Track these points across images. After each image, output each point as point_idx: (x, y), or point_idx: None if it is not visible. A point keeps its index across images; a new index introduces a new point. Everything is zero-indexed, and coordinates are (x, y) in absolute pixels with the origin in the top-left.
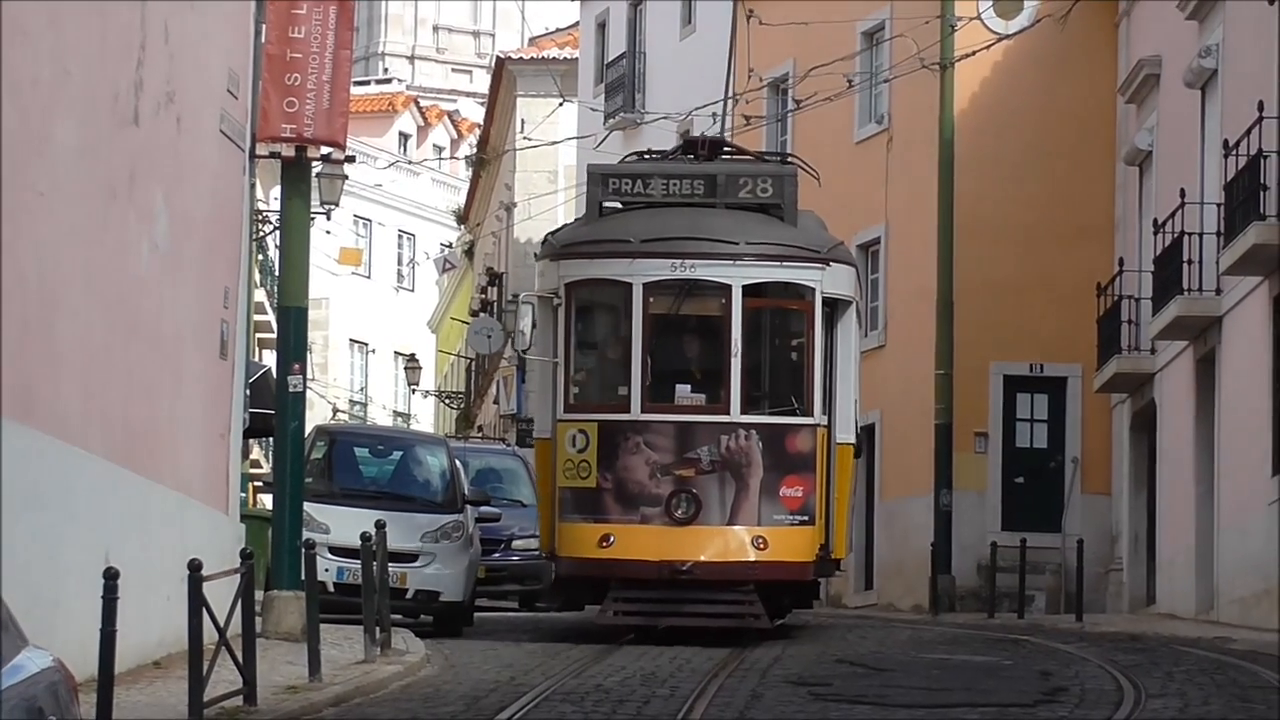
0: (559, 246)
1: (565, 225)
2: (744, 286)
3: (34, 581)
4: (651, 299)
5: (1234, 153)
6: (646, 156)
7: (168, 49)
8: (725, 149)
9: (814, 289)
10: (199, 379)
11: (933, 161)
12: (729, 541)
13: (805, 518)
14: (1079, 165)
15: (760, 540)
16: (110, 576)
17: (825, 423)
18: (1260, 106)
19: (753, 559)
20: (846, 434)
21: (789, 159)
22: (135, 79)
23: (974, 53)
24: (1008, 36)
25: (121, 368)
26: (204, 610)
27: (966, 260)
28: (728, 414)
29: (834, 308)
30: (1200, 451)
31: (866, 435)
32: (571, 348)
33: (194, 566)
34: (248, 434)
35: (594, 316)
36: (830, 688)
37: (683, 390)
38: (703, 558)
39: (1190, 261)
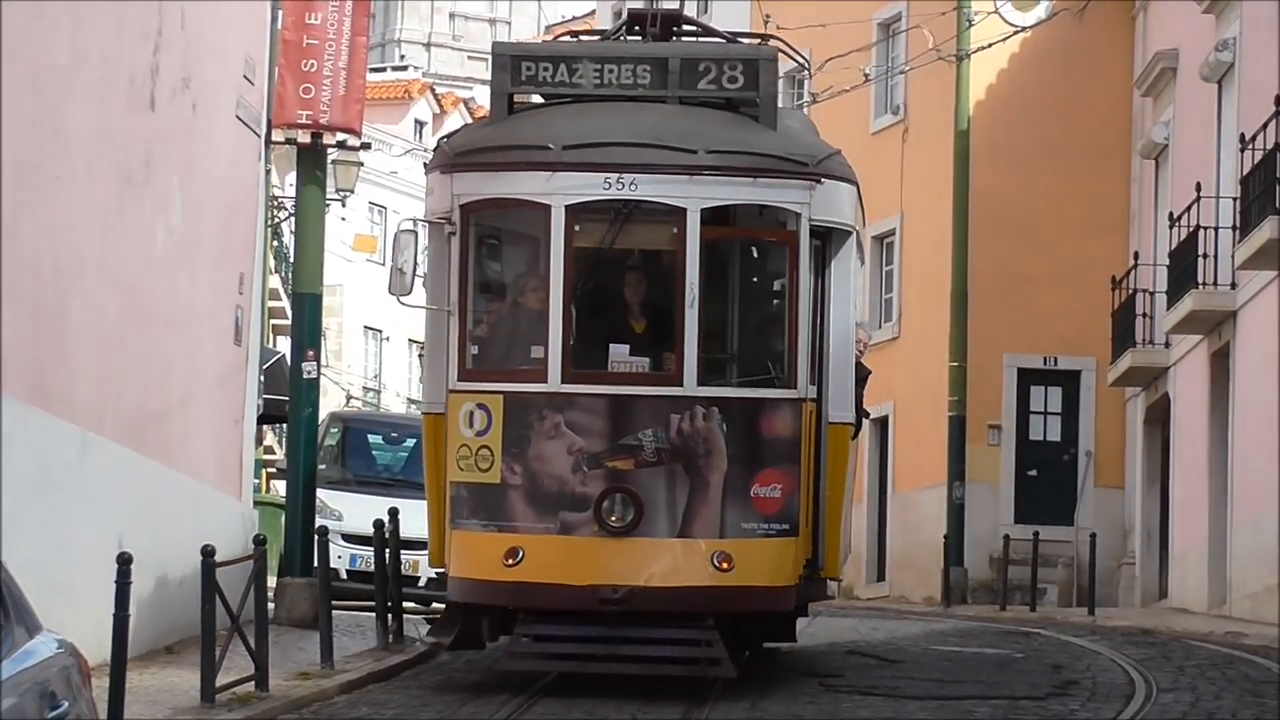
0: (453, 154)
1: (464, 127)
2: (703, 210)
3: (47, 566)
4: (578, 227)
5: (1250, 147)
6: (581, 39)
7: (184, 35)
8: (684, 27)
9: (799, 214)
10: (213, 364)
11: (948, 153)
12: (681, 559)
13: (785, 526)
14: (1095, 158)
15: (723, 557)
16: (123, 562)
17: (814, 396)
18: (1277, 100)
19: (713, 583)
20: (843, 411)
21: (770, 39)
22: (152, 64)
23: (990, 45)
24: (1025, 29)
25: (136, 353)
26: (217, 596)
27: (981, 252)
28: (680, 385)
29: (826, 240)
30: (1214, 446)
31: (879, 427)
32: (469, 292)
33: (207, 552)
34: (261, 420)
35: (500, 250)
36: (842, 679)
37: (619, 352)
38: (644, 581)
39: (1205, 255)
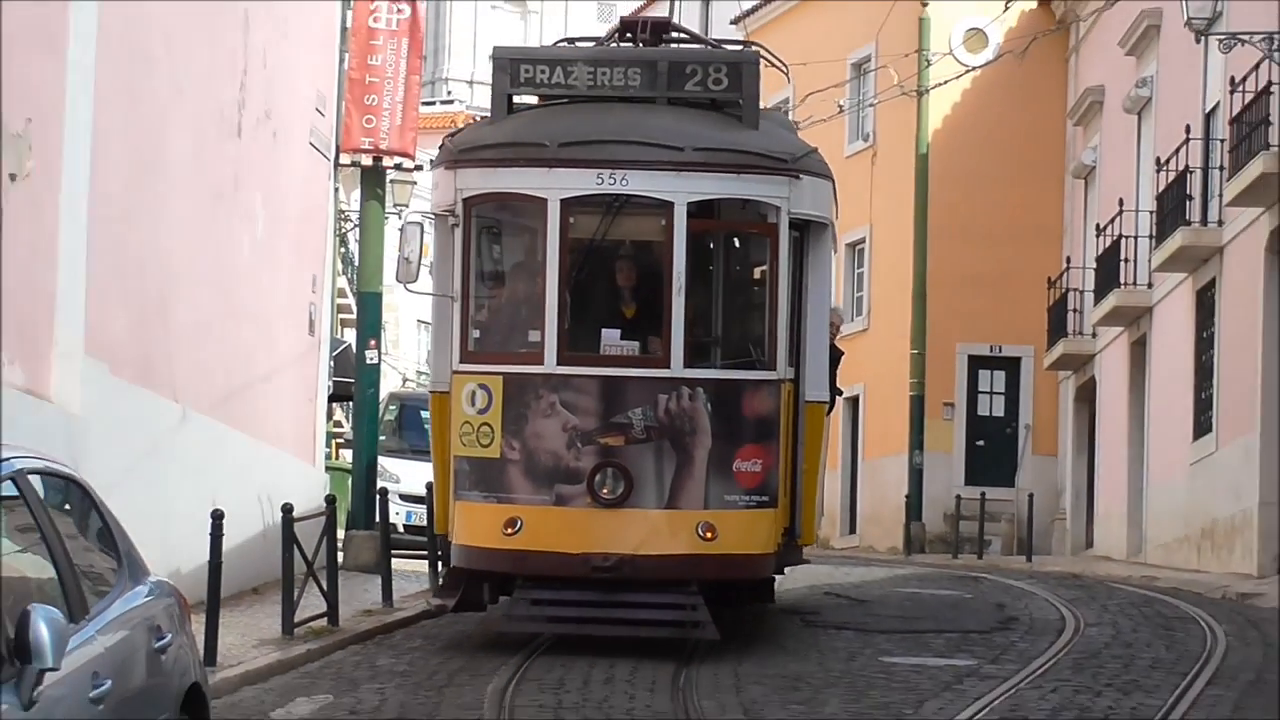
0: (456, 151)
1: (468, 126)
2: (690, 204)
3: (152, 521)
4: (572, 219)
5: (1164, 168)
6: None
7: (266, 73)
8: (672, 33)
9: (779, 207)
10: (290, 351)
11: (910, 174)
12: (667, 529)
13: (765, 498)
14: (1034, 178)
15: (707, 528)
16: (216, 517)
17: (792, 377)
18: (1187, 129)
19: (697, 552)
20: (819, 391)
21: (751, 44)
22: (239, 98)
23: (946, 82)
24: (975, 68)
25: (226, 342)
26: (294, 546)
27: (937, 257)
28: (667, 367)
29: (804, 231)
30: (1133, 420)
31: (851, 405)
32: (471, 280)
33: (286, 509)
34: (331, 399)
35: (499, 240)
36: (820, 616)
37: (611, 336)
38: (633, 550)
39: (1126, 260)
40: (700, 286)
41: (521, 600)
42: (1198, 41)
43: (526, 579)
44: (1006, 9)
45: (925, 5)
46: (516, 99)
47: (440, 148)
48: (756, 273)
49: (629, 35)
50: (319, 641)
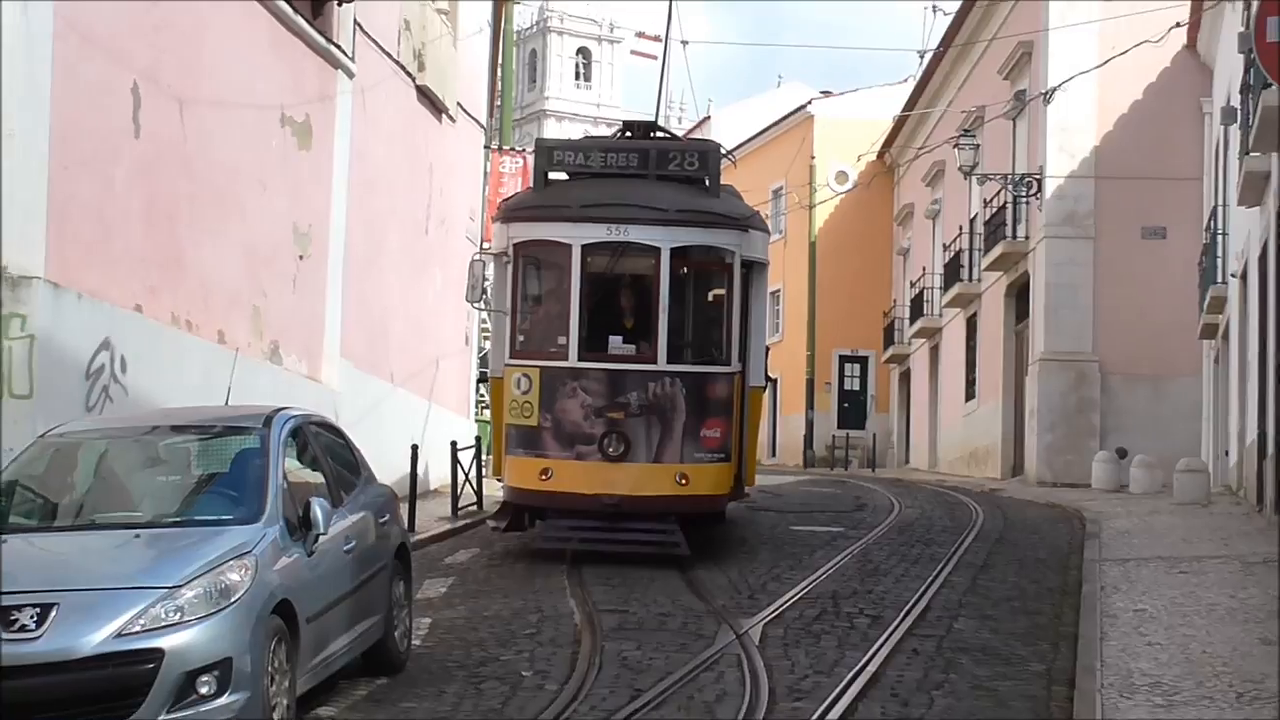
0: (508, 211)
1: (516, 193)
2: (672, 249)
3: (377, 449)
4: (589, 258)
5: (947, 250)
6: (593, 137)
7: (441, 198)
8: (656, 131)
9: (734, 252)
10: (454, 353)
11: (805, 254)
12: (654, 477)
13: (722, 455)
14: (875, 257)
15: (683, 477)
16: (414, 449)
17: (740, 370)
18: (960, 228)
19: (675, 493)
20: (758, 379)
21: (711, 142)
22: (426, 212)
23: (824, 201)
24: (841, 193)
25: (419, 347)
26: (457, 464)
27: (820, 301)
28: (655, 363)
29: (750, 268)
30: (930, 392)
31: (774, 385)
32: (518, 300)
33: (453, 443)
34: (478, 380)
35: (538, 273)
36: (755, 504)
37: (615, 341)
38: (630, 492)
39: (927, 301)
40: (677, 306)
41: (552, 525)
42: (965, 178)
43: (555, 511)
44: (859, 160)
45: (813, 157)
46: (551, 174)
47: (498, 208)
48: (717, 297)
49: (629, 132)
50: (470, 519)
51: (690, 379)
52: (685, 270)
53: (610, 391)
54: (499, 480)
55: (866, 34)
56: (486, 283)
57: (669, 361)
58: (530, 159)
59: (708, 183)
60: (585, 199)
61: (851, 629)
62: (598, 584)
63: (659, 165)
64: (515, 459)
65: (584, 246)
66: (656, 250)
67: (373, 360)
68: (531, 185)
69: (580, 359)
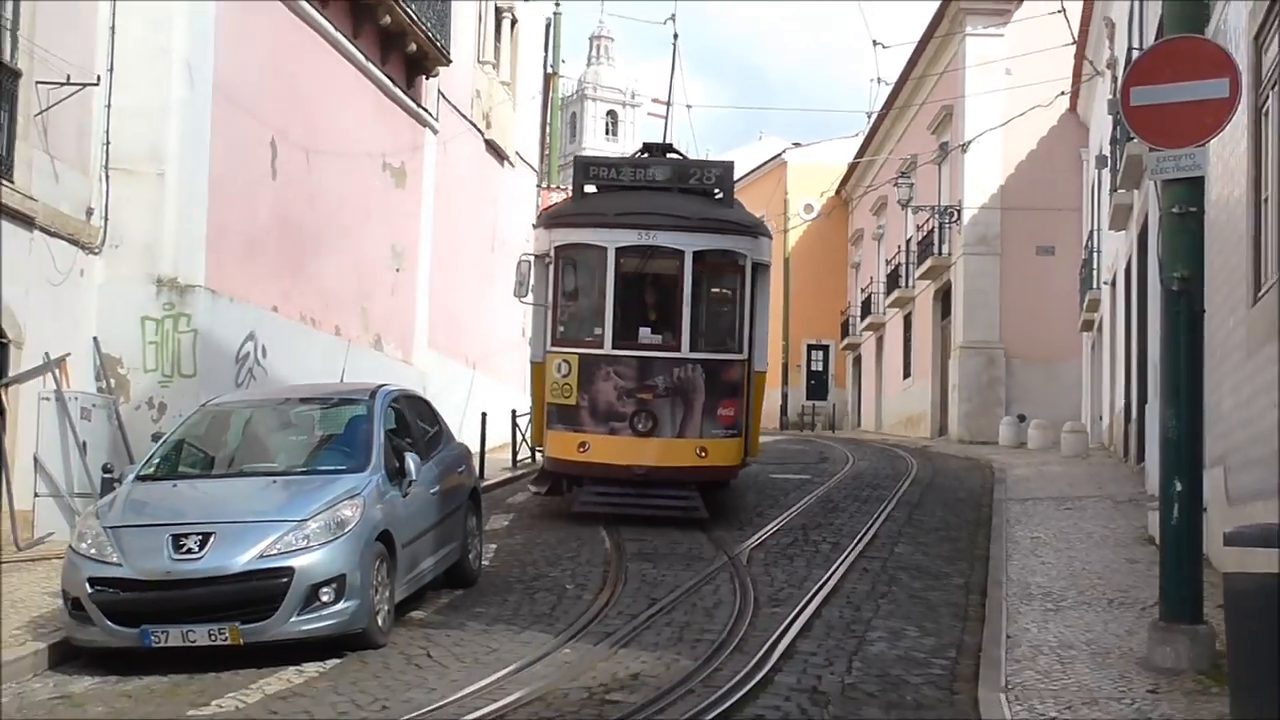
0: (550, 218)
1: (556, 204)
2: (694, 251)
3: (456, 418)
4: (621, 260)
5: (889, 265)
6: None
7: (503, 226)
8: (670, 151)
9: (746, 255)
10: (514, 345)
11: (780, 267)
12: (678, 450)
13: (734, 431)
14: (834, 269)
15: (702, 449)
16: (483, 415)
17: (748, 357)
18: (898, 248)
19: (695, 464)
20: (762, 365)
21: (726, 163)
22: (491, 235)
23: (795, 227)
24: (808, 220)
25: (488, 340)
26: (515, 427)
27: (794, 302)
28: (678, 351)
29: (757, 269)
30: (877, 372)
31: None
32: (559, 295)
33: (512, 412)
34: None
35: (577, 272)
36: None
37: (644, 332)
38: (656, 463)
39: (874, 304)
40: (697, 302)
41: (588, 491)
42: (902, 209)
43: (591, 479)
44: (822, 195)
45: (787, 193)
46: (587, 187)
47: (539, 215)
48: (731, 293)
49: (649, 151)
50: (526, 470)
51: (708, 365)
52: (704, 270)
53: (640, 375)
54: (539, 450)
55: (828, 98)
56: (530, 281)
57: (691, 350)
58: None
59: (722, 195)
60: (619, 208)
61: (817, 552)
62: (622, 521)
63: (681, 180)
64: (556, 433)
65: (618, 249)
66: (681, 253)
67: (451, 348)
68: (570, 195)
69: (614, 347)
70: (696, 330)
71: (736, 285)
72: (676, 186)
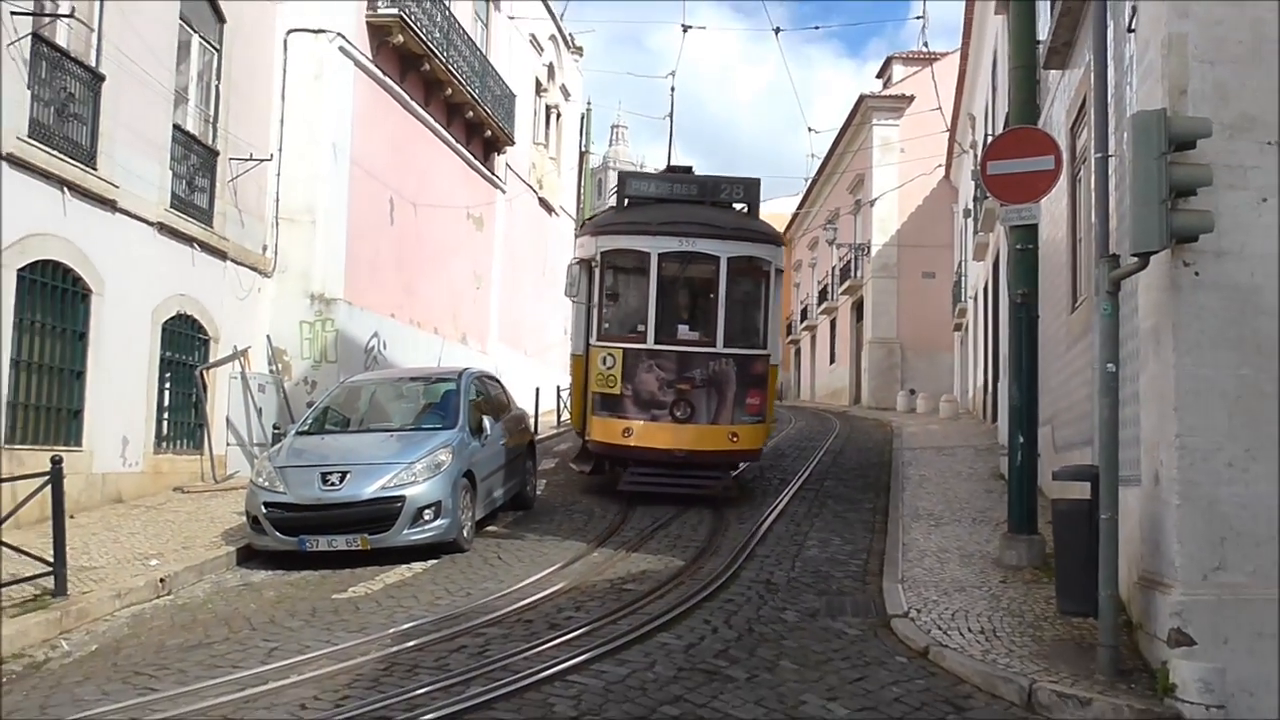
0: (596, 227)
1: (599, 212)
2: (728, 258)
3: (519, 391)
4: (663, 264)
5: (820, 284)
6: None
7: (554, 258)
8: (690, 171)
9: (771, 262)
10: (557, 338)
11: None
12: (712, 435)
13: (760, 418)
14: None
15: (733, 435)
16: (536, 390)
17: (769, 352)
18: (826, 273)
19: (727, 448)
20: (776, 359)
21: (753, 180)
22: (544, 264)
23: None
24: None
25: (541, 337)
26: (559, 399)
27: None
28: (714, 346)
29: (776, 274)
30: (812, 358)
31: None
32: (605, 296)
33: (558, 387)
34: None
35: (622, 275)
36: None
37: (683, 329)
38: (694, 447)
39: (810, 311)
40: (730, 302)
41: (633, 472)
42: (829, 246)
43: (634, 461)
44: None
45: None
46: (627, 199)
47: (585, 223)
48: (758, 296)
49: (674, 171)
50: (567, 428)
51: (739, 359)
52: (735, 274)
53: (679, 368)
54: (578, 434)
55: (778, 166)
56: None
57: (724, 346)
58: None
59: (751, 207)
60: (661, 218)
61: (770, 487)
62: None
63: (714, 194)
64: (601, 420)
65: (660, 254)
66: (716, 259)
67: (514, 343)
68: (614, 206)
69: (656, 342)
70: (728, 328)
71: (761, 288)
72: (709, 200)
